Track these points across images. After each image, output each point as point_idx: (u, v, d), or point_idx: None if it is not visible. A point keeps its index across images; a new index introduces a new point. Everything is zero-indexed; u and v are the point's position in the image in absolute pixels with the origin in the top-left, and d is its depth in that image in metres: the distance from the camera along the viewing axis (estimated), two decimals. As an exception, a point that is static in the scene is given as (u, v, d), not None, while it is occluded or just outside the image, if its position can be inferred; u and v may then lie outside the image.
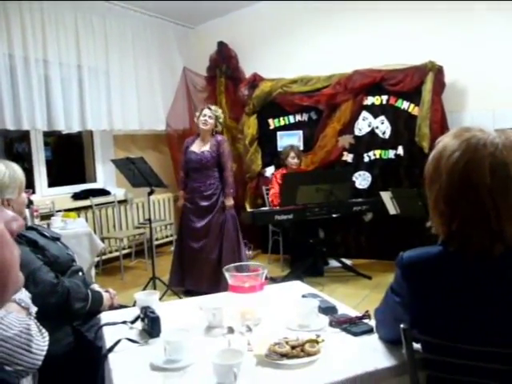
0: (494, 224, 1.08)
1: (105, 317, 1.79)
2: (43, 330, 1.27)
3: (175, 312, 1.81)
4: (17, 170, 1.82)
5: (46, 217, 4.23)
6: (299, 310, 1.60)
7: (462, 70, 4.69)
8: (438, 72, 4.65)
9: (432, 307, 1.16)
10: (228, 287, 1.59)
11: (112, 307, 2.04)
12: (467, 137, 1.13)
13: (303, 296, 1.81)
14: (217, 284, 4.08)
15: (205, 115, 4.08)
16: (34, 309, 1.36)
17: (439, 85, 4.68)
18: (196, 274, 4.16)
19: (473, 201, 1.08)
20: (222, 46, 5.76)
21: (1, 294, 0.56)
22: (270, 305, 1.69)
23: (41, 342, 1.22)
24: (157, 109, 5.71)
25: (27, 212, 3.06)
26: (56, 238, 1.99)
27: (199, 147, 4.09)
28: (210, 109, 4.14)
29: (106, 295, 2.02)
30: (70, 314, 1.86)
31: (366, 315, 1.58)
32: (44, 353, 1.22)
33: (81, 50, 4.87)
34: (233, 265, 1.63)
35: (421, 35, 4.82)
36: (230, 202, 4.12)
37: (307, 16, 5.43)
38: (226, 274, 1.57)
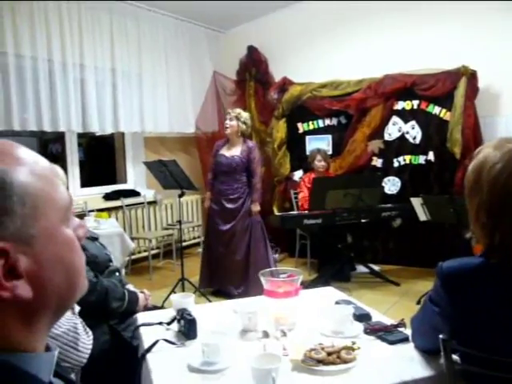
0: (537, 237, 1.07)
1: (141, 317, 1.84)
2: (87, 329, 1.32)
3: (210, 314, 1.84)
4: (59, 170, 1.88)
5: (79, 217, 4.34)
6: (334, 316, 1.61)
7: (496, 74, 4.61)
8: (472, 76, 4.58)
9: (472, 319, 1.15)
10: (262, 291, 1.62)
11: (146, 308, 2.08)
12: (509, 148, 1.12)
13: (337, 302, 1.81)
14: (245, 287, 4.12)
15: (225, 119, 4.14)
16: (77, 308, 1.41)
17: (472, 89, 4.60)
18: (224, 276, 4.20)
19: None
20: (252, 50, 5.81)
21: (70, 297, 0.60)
22: (304, 310, 1.71)
23: (86, 340, 1.27)
24: (187, 112, 5.80)
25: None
26: (94, 238, 2.05)
27: (229, 151, 4.13)
28: (229, 113, 4.16)
29: (141, 296, 2.07)
30: (107, 312, 1.92)
31: (402, 323, 1.58)
32: (89, 351, 1.26)
33: (115, 54, 4.99)
34: (268, 269, 1.65)
35: (453, 39, 4.76)
36: (256, 207, 4.15)
37: (337, 20, 5.43)
38: (262, 279, 1.59)
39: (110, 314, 1.92)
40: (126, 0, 5.01)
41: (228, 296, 4.03)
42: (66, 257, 0.59)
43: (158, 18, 5.46)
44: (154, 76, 5.40)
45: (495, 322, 1.12)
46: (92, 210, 4.49)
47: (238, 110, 4.20)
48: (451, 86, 4.64)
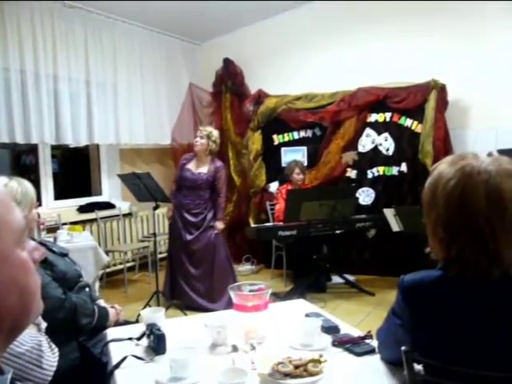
0: (491, 249, 1.11)
1: (111, 333, 1.82)
2: (53, 346, 1.31)
3: (180, 329, 1.84)
4: (28, 186, 1.86)
5: (52, 229, 4.29)
6: (302, 329, 1.63)
7: (465, 88, 4.74)
8: (441, 90, 4.70)
9: (433, 330, 1.18)
10: (227, 302, 1.62)
11: (117, 323, 2.06)
12: (462, 165, 1.16)
13: (306, 315, 1.83)
14: (209, 297, 4.13)
15: (196, 136, 4.16)
16: (44, 324, 1.40)
17: (442, 103, 4.73)
18: (188, 286, 4.21)
19: (470, 227, 1.12)
20: (228, 63, 5.85)
21: (24, 320, 0.60)
22: (274, 323, 1.72)
23: (51, 357, 1.25)
24: (162, 123, 5.79)
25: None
26: (64, 254, 2.03)
27: (196, 168, 4.16)
28: (200, 130, 4.20)
29: (111, 311, 2.05)
30: (76, 329, 1.89)
31: (369, 335, 1.60)
32: (54, 368, 1.25)
33: (90, 66, 4.95)
34: (237, 283, 1.66)
35: (424, 54, 4.89)
36: (220, 225, 4.20)
37: (312, 34, 5.52)
38: (231, 293, 1.60)
39: (80, 330, 1.90)
40: (101, 11, 5.00)
41: (192, 308, 4.07)
42: (21, 280, 0.59)
43: (134, 29, 5.46)
44: (129, 87, 5.38)
45: (455, 334, 1.16)
46: (65, 223, 4.43)
47: (210, 129, 4.24)
48: (422, 99, 4.76)
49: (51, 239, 3.46)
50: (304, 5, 5.49)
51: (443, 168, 1.20)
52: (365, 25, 5.19)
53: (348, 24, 5.29)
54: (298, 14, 5.57)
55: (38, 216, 3.62)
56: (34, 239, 2.00)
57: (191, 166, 4.19)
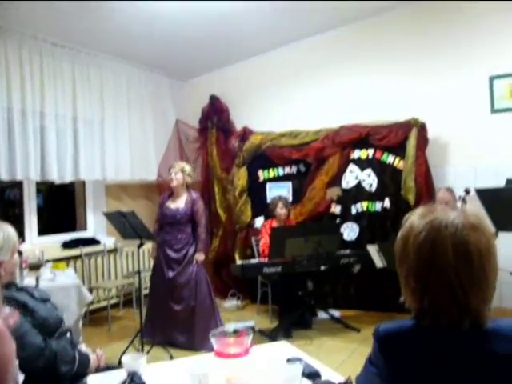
0: (460, 299, 1.15)
1: (92, 380, 1.80)
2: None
3: (162, 376, 1.83)
4: (10, 231, 1.87)
5: (35, 267, 4.24)
6: (283, 375, 1.63)
7: (445, 126, 4.89)
8: (421, 128, 4.83)
9: (408, 380, 1.20)
10: (207, 341, 1.62)
11: (99, 369, 2.04)
12: (431, 218, 1.21)
13: (288, 360, 1.84)
14: (190, 335, 4.10)
15: (170, 173, 4.23)
16: (21, 378, 1.39)
17: (423, 140, 4.84)
18: (169, 324, 4.17)
19: (440, 279, 1.16)
20: (214, 99, 5.96)
21: None
22: (255, 369, 1.72)
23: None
24: (149, 159, 5.83)
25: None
26: (46, 299, 2.02)
27: (174, 203, 4.22)
28: (173, 166, 4.27)
29: (92, 357, 2.03)
30: (56, 376, 1.87)
31: (349, 382, 1.61)
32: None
33: (77, 103, 5.00)
34: (218, 330, 1.67)
35: (404, 93, 5.05)
36: (201, 256, 4.21)
37: (296, 73, 5.68)
38: (212, 340, 1.61)
39: (60, 378, 1.87)
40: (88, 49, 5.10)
41: (173, 345, 4.05)
42: None
43: (121, 67, 5.56)
44: (116, 124, 5.44)
45: (429, 383, 1.18)
46: (49, 260, 4.39)
47: (182, 164, 4.35)
48: (403, 137, 4.88)
49: (33, 279, 3.42)
50: (288, 44, 5.66)
51: (414, 220, 1.24)
52: (347, 65, 5.37)
53: (331, 64, 5.47)
54: (283, 53, 5.75)
55: (20, 254, 3.61)
56: (15, 284, 1.99)
57: (169, 202, 4.25)
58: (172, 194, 4.31)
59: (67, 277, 3.86)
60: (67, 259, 4.83)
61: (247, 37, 5.32)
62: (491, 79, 4.75)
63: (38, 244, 4.87)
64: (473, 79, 4.81)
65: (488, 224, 1.21)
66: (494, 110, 4.78)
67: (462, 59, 4.85)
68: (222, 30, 4.94)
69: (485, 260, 1.15)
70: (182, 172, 4.20)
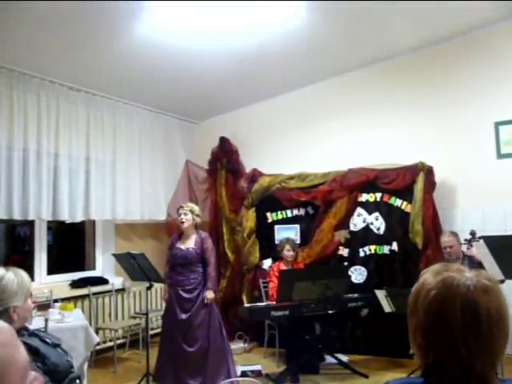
0: (465, 360, 1.17)
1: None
2: None
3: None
4: (24, 276, 1.91)
5: (44, 307, 4.26)
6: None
7: (452, 169, 4.94)
8: (428, 172, 4.88)
9: None
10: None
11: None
12: (444, 276, 1.24)
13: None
14: (202, 378, 4.05)
15: (180, 214, 4.27)
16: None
17: (430, 184, 4.88)
18: (181, 367, 4.12)
19: (446, 336, 1.18)
20: (224, 141, 6.08)
21: None
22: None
23: None
24: (158, 199, 5.92)
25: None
26: (57, 345, 2.04)
27: (184, 244, 4.26)
28: (182, 207, 4.32)
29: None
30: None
31: None
32: None
33: (90, 144, 5.12)
34: (229, 380, 1.68)
35: (411, 137, 5.15)
36: (210, 294, 4.21)
37: (305, 116, 5.83)
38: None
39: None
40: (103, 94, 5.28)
41: None
42: None
43: (134, 110, 5.72)
44: (127, 164, 5.55)
45: None
46: (57, 300, 4.41)
47: (191, 205, 4.41)
48: (411, 180, 4.92)
49: (42, 319, 3.43)
50: (298, 89, 5.83)
51: (427, 277, 1.27)
52: (356, 110, 5.51)
53: (340, 108, 5.62)
54: (292, 97, 5.91)
55: (31, 296, 3.65)
56: (27, 329, 2.02)
57: (179, 243, 4.29)
58: (181, 236, 4.35)
59: (75, 318, 3.87)
60: (75, 298, 4.85)
61: (258, 81, 5.49)
62: (496, 125, 4.84)
63: (47, 283, 4.90)
64: (479, 125, 4.90)
65: (501, 288, 1.23)
66: (500, 155, 4.85)
67: (468, 105, 4.96)
68: (233, 74, 5.10)
69: (494, 324, 1.16)
70: (191, 213, 4.27)
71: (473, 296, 1.19)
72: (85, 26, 3.81)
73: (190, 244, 4.25)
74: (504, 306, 1.20)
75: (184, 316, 4.15)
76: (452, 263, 1.32)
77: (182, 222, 4.24)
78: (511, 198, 4.67)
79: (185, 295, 4.18)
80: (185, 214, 4.25)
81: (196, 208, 4.39)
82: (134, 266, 3.73)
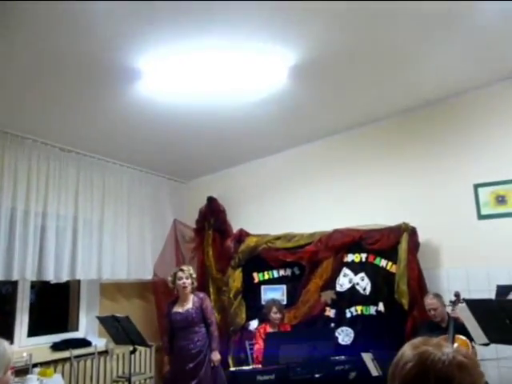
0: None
1: None
2: None
3: None
4: (7, 347, 1.90)
5: (22, 371, 4.12)
6: None
7: (435, 230, 5.02)
8: (412, 232, 4.95)
9: None
10: None
11: None
12: (422, 350, 1.27)
13: None
14: None
15: (181, 278, 4.28)
16: None
17: (414, 244, 4.94)
18: None
19: None
20: (212, 201, 6.17)
21: None
22: None
23: None
24: (145, 258, 5.89)
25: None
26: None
27: (182, 307, 4.22)
28: (183, 270, 4.33)
29: None
30: None
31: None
32: None
33: (79, 203, 5.13)
34: None
35: (395, 199, 5.27)
36: (216, 356, 4.15)
37: (291, 178, 5.97)
38: None
39: None
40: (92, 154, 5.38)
41: None
42: None
43: (123, 170, 5.80)
44: (115, 223, 5.55)
45: None
46: (36, 365, 4.28)
47: (190, 268, 4.45)
48: (395, 241, 4.98)
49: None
50: (284, 151, 6.01)
51: (405, 349, 1.31)
52: (340, 172, 5.68)
53: (324, 170, 5.78)
54: (278, 159, 6.08)
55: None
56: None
57: (177, 308, 4.26)
58: (176, 300, 4.32)
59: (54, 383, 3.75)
60: (56, 362, 4.70)
61: (246, 143, 5.65)
62: (476, 187, 4.99)
63: (27, 346, 4.76)
64: (459, 187, 5.05)
65: (478, 365, 1.26)
66: (480, 216, 4.96)
67: (449, 168, 5.13)
68: (222, 135, 5.25)
69: None
70: (191, 277, 4.32)
71: (447, 371, 1.23)
72: (75, 90, 3.94)
73: (188, 305, 4.23)
74: (478, 381, 1.23)
75: None
76: (433, 338, 1.36)
77: (185, 287, 4.24)
78: (493, 259, 4.74)
79: (190, 365, 4.07)
80: (186, 278, 4.27)
81: (193, 272, 4.48)
82: (118, 329, 3.69)
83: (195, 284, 4.35)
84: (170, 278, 4.43)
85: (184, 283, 4.22)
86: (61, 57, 3.42)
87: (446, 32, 3.81)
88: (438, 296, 4.29)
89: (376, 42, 3.86)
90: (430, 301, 4.26)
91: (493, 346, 3.60)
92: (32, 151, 4.72)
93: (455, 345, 3.56)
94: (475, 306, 3.11)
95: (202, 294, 4.35)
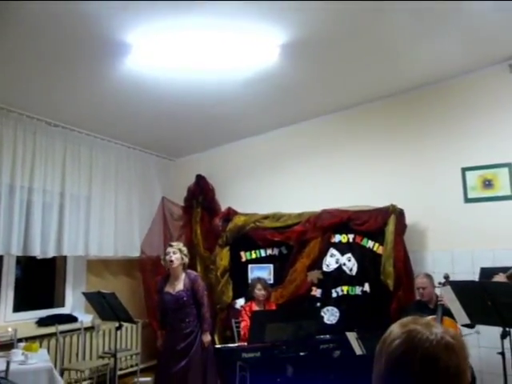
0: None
1: None
2: None
3: None
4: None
5: (7, 346, 4.12)
6: None
7: (422, 213, 5.07)
8: (400, 214, 4.99)
9: None
10: None
11: None
12: (410, 328, 1.28)
13: None
14: None
15: (168, 253, 4.21)
16: None
17: (401, 226, 4.98)
18: None
19: None
20: (200, 179, 6.13)
21: None
22: None
23: None
24: (133, 236, 5.86)
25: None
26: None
27: (173, 287, 4.19)
28: (171, 246, 4.27)
29: None
30: None
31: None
32: None
33: (66, 179, 5.07)
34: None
35: (384, 181, 5.30)
36: (207, 338, 4.16)
37: (280, 157, 5.95)
38: None
39: None
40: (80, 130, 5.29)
41: None
42: None
43: (111, 146, 5.73)
44: (103, 200, 5.50)
45: None
46: (21, 340, 4.27)
47: (179, 244, 4.36)
48: (382, 223, 5.01)
49: (4, 363, 3.31)
50: (274, 130, 5.97)
51: (394, 327, 1.31)
52: (330, 153, 5.67)
53: (314, 150, 5.76)
54: (268, 138, 6.04)
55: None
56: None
57: (168, 287, 4.21)
58: (168, 277, 4.28)
59: (39, 359, 3.73)
60: (41, 337, 4.70)
61: (235, 121, 5.60)
62: (463, 171, 5.02)
63: (12, 321, 4.75)
64: (447, 170, 5.08)
65: (466, 347, 1.26)
66: (467, 200, 5.01)
67: (437, 152, 5.15)
68: (210, 113, 5.19)
69: (451, 380, 1.19)
70: (180, 252, 4.23)
71: (434, 351, 1.23)
72: (64, 63, 3.86)
73: (179, 286, 4.18)
74: (464, 364, 1.24)
75: (178, 366, 4.05)
76: (422, 318, 1.36)
77: (171, 261, 4.16)
78: (478, 242, 4.81)
79: (181, 344, 4.08)
80: (174, 253, 4.19)
81: (184, 248, 4.35)
82: (104, 306, 3.68)
83: (186, 260, 4.26)
84: (162, 256, 4.40)
85: (170, 257, 4.17)
86: (48, 29, 3.33)
87: (436, 18, 3.78)
88: (428, 276, 4.36)
89: (367, 27, 3.83)
90: (420, 280, 4.34)
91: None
92: (18, 125, 4.63)
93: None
94: (458, 287, 3.15)
95: (193, 274, 4.30)
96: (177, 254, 4.19)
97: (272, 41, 3.81)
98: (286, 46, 3.88)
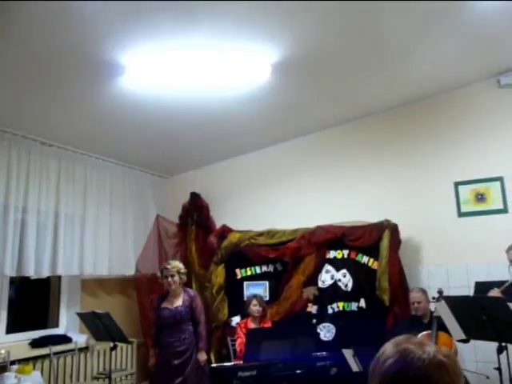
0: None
1: None
2: None
3: None
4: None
5: (0, 369, 4.07)
6: None
7: (416, 228, 5.10)
8: (394, 229, 5.01)
9: None
10: None
11: None
12: (403, 348, 1.28)
13: None
14: None
15: (167, 277, 4.23)
16: None
17: (395, 241, 5.00)
18: None
19: None
20: (195, 196, 6.14)
21: None
22: None
23: None
24: (127, 254, 5.83)
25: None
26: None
27: (172, 303, 4.19)
28: (167, 269, 4.28)
29: None
30: None
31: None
32: None
33: (60, 198, 5.05)
34: None
35: (377, 196, 5.33)
36: (203, 356, 4.15)
37: (274, 174, 5.99)
38: None
39: None
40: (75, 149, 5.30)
41: None
42: None
43: (106, 164, 5.73)
44: (97, 219, 5.47)
45: None
46: (14, 362, 4.21)
47: (176, 263, 4.37)
48: (377, 238, 5.04)
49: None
50: (268, 147, 6.01)
51: (387, 346, 1.32)
52: (323, 169, 5.72)
53: (308, 166, 5.80)
54: (261, 155, 6.08)
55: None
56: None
57: (166, 303, 4.22)
58: (166, 295, 4.29)
59: (33, 382, 3.69)
60: (35, 359, 4.63)
61: (229, 138, 5.64)
62: (456, 185, 5.07)
63: (5, 343, 4.68)
64: (440, 185, 5.13)
65: (459, 365, 1.27)
66: (460, 214, 5.05)
67: (430, 166, 5.21)
68: (205, 131, 5.23)
69: None
70: (178, 274, 4.26)
71: (425, 370, 1.23)
72: (59, 83, 3.89)
73: (178, 303, 4.21)
74: (457, 382, 1.25)
75: (174, 383, 4.02)
76: (416, 336, 1.37)
77: (170, 285, 4.19)
78: (472, 256, 4.83)
79: (175, 362, 4.05)
80: (172, 276, 4.22)
81: (181, 266, 4.38)
82: (99, 326, 3.65)
83: (184, 279, 4.30)
84: (159, 274, 4.41)
85: (169, 282, 4.20)
86: (44, 51, 3.37)
87: (432, 30, 3.85)
88: (423, 291, 4.38)
89: (358, 44, 3.89)
90: (415, 294, 4.35)
91: (472, 342, 3.67)
92: (12, 144, 4.63)
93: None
94: (453, 303, 3.16)
95: (192, 292, 4.33)
96: (175, 276, 4.21)
97: (264, 59, 3.87)
98: (277, 64, 3.93)
